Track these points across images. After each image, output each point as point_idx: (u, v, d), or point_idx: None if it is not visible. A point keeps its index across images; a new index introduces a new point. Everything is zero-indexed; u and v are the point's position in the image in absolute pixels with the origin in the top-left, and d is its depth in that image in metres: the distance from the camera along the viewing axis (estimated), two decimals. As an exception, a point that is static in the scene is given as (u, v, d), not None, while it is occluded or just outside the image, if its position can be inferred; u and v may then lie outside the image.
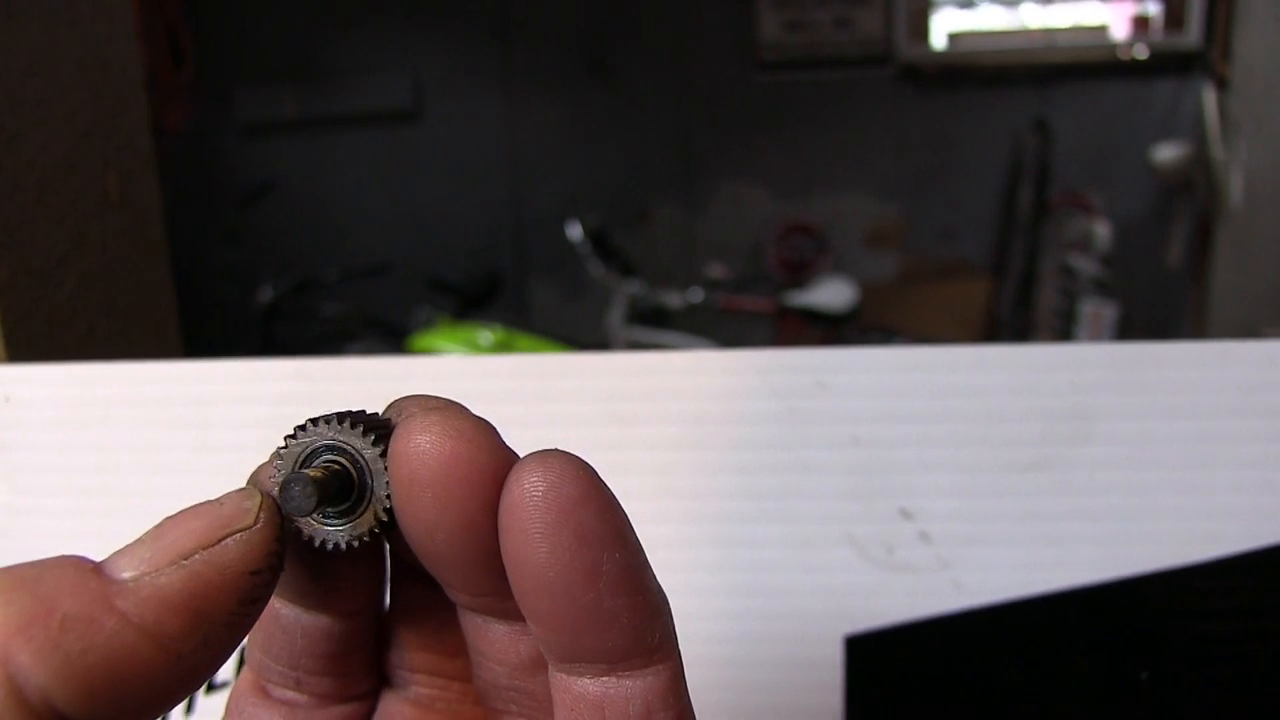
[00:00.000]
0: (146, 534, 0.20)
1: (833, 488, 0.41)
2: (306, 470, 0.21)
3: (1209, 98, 3.01)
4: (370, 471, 0.22)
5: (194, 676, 0.20)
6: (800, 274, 3.76)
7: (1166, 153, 3.33)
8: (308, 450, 0.22)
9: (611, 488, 0.21)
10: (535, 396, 0.41)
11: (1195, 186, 3.17)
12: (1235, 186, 2.70)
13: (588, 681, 0.21)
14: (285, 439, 0.22)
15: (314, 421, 0.22)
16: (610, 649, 0.21)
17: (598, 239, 3.32)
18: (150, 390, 0.37)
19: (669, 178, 3.93)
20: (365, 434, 0.22)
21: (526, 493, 0.20)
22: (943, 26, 3.86)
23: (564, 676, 0.22)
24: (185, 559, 0.20)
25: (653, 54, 3.87)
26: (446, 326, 2.65)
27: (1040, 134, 3.68)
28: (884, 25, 3.77)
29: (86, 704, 0.18)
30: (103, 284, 0.46)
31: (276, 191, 3.82)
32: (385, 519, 0.22)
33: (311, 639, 0.24)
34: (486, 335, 2.47)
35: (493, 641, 0.23)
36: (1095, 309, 3.33)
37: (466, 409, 0.22)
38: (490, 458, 0.21)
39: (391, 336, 2.98)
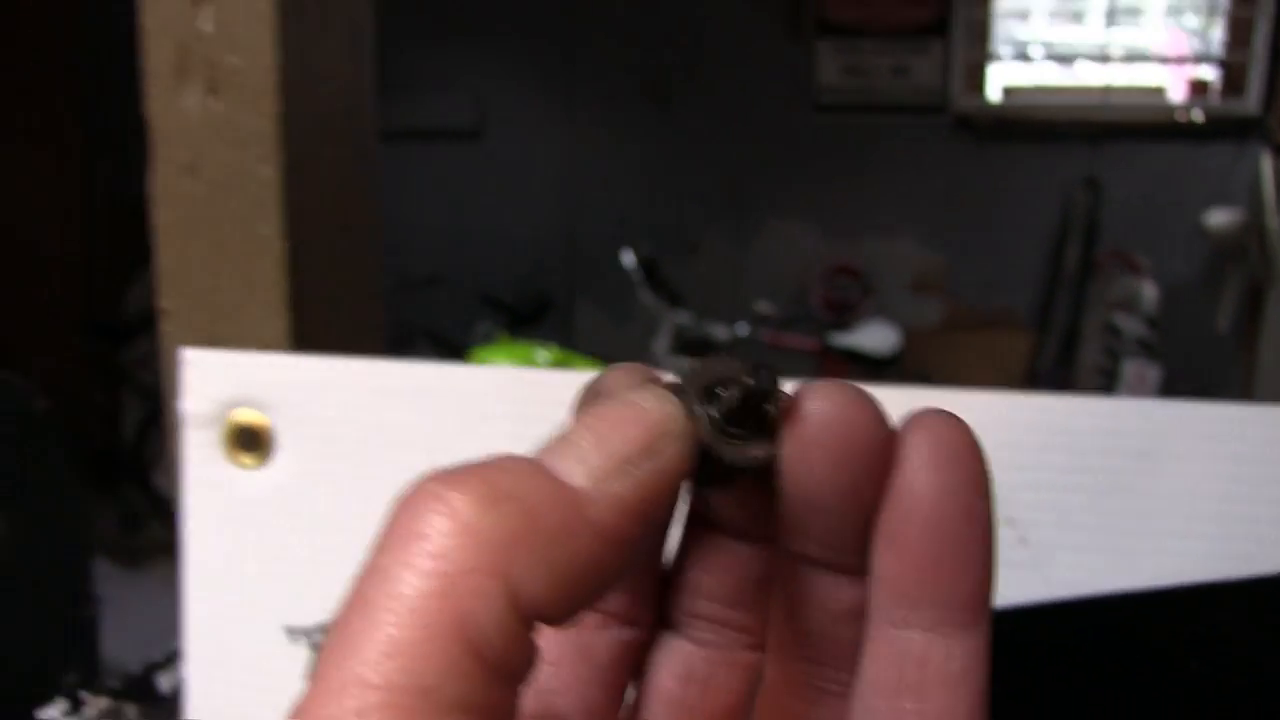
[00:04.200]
0: (583, 434, 0.21)
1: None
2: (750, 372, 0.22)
3: (1266, 165, 3.03)
4: (775, 401, 0.23)
5: (630, 572, 0.22)
6: (844, 315, 3.80)
7: (1219, 218, 3.34)
8: (717, 374, 0.23)
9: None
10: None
11: (1248, 253, 3.19)
12: (1288, 256, 2.72)
13: (915, 634, 0.23)
14: (689, 365, 0.23)
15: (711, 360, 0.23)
16: (958, 595, 0.22)
17: (649, 267, 3.37)
18: (426, 389, 0.43)
19: (720, 211, 3.99)
20: (764, 374, 0.23)
21: (930, 432, 0.22)
22: (999, 79, 3.91)
23: (889, 629, 0.23)
24: (632, 467, 0.21)
25: (712, 89, 3.93)
26: (505, 343, 2.70)
27: (1091, 191, 3.71)
28: (941, 75, 3.82)
29: (565, 609, 0.20)
30: (353, 276, 0.52)
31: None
32: (774, 456, 0.23)
33: None
34: (543, 355, 2.52)
35: (816, 590, 0.24)
36: (1139, 370, 3.34)
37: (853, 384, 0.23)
38: (879, 423, 0.22)
39: (448, 350, 3.04)
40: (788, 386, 0.23)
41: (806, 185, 3.93)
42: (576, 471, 0.20)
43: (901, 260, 3.90)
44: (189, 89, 0.53)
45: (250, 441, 0.47)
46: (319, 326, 0.52)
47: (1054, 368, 3.73)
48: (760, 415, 0.23)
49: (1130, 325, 3.45)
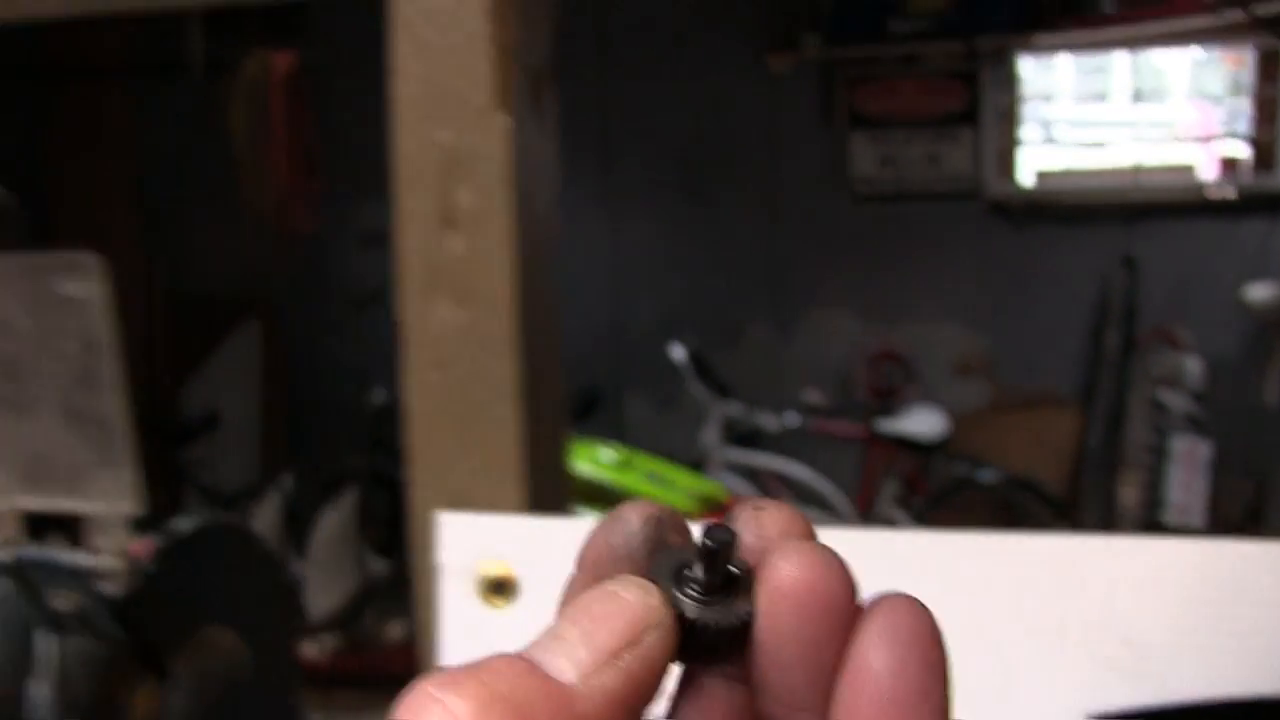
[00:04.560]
0: (569, 630, 0.23)
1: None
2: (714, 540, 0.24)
3: (1303, 242, 3.07)
4: (745, 570, 0.25)
5: None
6: (889, 400, 3.84)
7: (1260, 292, 3.38)
8: (678, 560, 0.25)
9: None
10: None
11: (1290, 327, 3.21)
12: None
13: None
14: (657, 558, 0.25)
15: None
16: None
17: (698, 360, 3.43)
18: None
19: (762, 301, 4.06)
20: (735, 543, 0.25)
21: (890, 613, 0.24)
22: (1030, 164, 3.98)
23: None
24: (617, 659, 0.22)
25: (750, 182, 4.03)
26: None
27: (1128, 270, 3.75)
28: (973, 162, 3.90)
29: None
30: (557, 434, 0.62)
31: (390, 298, 4.00)
32: (750, 614, 0.24)
33: None
34: (608, 453, 2.57)
35: None
36: (1188, 446, 3.35)
37: (823, 546, 0.25)
38: (845, 589, 0.24)
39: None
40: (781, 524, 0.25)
41: (846, 274, 4.01)
42: (565, 668, 0.22)
43: (944, 344, 3.95)
44: (439, 301, 0.65)
45: (499, 588, 0.57)
46: (542, 486, 0.62)
47: (1102, 445, 3.74)
48: (730, 577, 0.25)
49: (1176, 401, 3.47)
